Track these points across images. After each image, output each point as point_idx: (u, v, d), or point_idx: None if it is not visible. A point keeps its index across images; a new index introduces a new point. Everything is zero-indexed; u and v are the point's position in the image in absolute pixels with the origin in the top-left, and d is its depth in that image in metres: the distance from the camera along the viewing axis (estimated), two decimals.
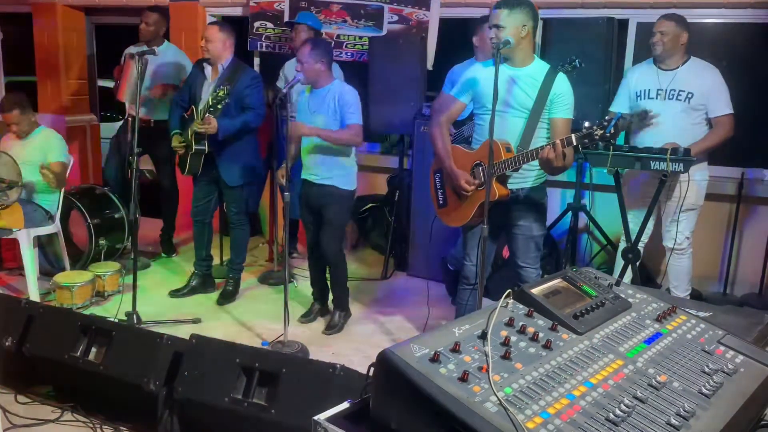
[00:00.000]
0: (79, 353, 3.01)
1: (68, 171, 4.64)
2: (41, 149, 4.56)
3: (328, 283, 4.31)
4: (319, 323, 4.29)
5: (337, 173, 3.99)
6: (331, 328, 4.17)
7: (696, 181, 3.89)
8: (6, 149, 4.53)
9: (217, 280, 4.77)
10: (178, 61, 5.20)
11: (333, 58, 4.13)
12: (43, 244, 4.83)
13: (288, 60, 5.26)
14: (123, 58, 5.37)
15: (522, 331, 1.57)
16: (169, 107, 4.73)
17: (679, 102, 3.90)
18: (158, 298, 4.56)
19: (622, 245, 4.10)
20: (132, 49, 5.18)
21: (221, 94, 4.06)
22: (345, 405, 1.56)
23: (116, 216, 5.13)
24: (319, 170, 4.00)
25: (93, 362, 2.98)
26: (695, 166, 3.69)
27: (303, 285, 4.94)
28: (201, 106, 4.24)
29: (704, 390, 1.48)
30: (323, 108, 3.91)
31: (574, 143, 2.83)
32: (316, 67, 3.86)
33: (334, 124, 3.89)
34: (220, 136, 4.21)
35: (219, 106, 4.13)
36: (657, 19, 3.98)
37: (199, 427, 2.78)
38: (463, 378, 1.34)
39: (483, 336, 1.51)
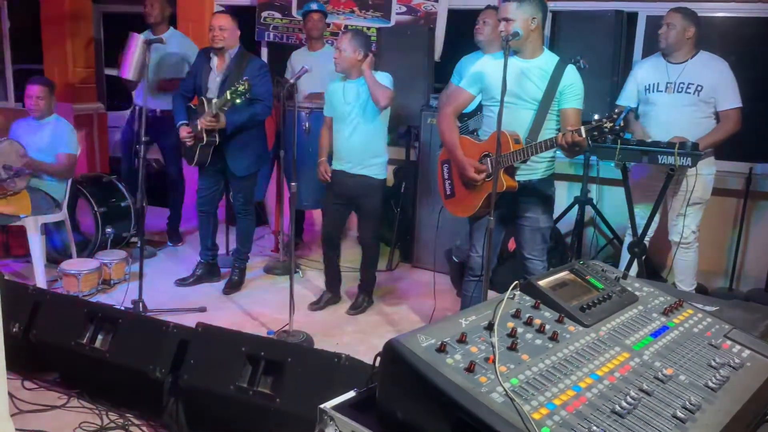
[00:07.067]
0: (85, 340, 3.03)
1: (75, 162, 4.66)
2: (52, 138, 4.58)
3: (340, 272, 4.42)
4: (327, 312, 4.31)
5: (372, 164, 4.04)
6: (355, 308, 4.29)
7: (703, 175, 3.87)
8: (19, 135, 4.55)
9: (222, 270, 4.79)
10: (182, 52, 5.15)
11: (372, 51, 4.06)
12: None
13: (295, 50, 5.24)
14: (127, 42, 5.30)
15: (529, 322, 1.57)
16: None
17: (688, 95, 3.88)
18: (164, 287, 4.57)
19: (628, 239, 4.10)
20: (141, 36, 5.14)
21: (241, 89, 3.95)
22: (351, 394, 1.57)
23: (123, 204, 5.15)
24: (354, 161, 4.03)
25: (99, 349, 3.00)
26: (703, 160, 3.68)
27: (308, 275, 4.96)
28: (215, 100, 4.15)
29: (710, 384, 1.48)
30: (358, 99, 3.92)
31: (584, 135, 2.82)
32: (352, 56, 3.87)
33: (365, 115, 3.93)
34: (229, 130, 4.21)
35: (238, 101, 4.03)
36: (667, 12, 3.96)
37: (204, 415, 2.79)
38: (470, 368, 1.34)
39: (490, 327, 1.51)
